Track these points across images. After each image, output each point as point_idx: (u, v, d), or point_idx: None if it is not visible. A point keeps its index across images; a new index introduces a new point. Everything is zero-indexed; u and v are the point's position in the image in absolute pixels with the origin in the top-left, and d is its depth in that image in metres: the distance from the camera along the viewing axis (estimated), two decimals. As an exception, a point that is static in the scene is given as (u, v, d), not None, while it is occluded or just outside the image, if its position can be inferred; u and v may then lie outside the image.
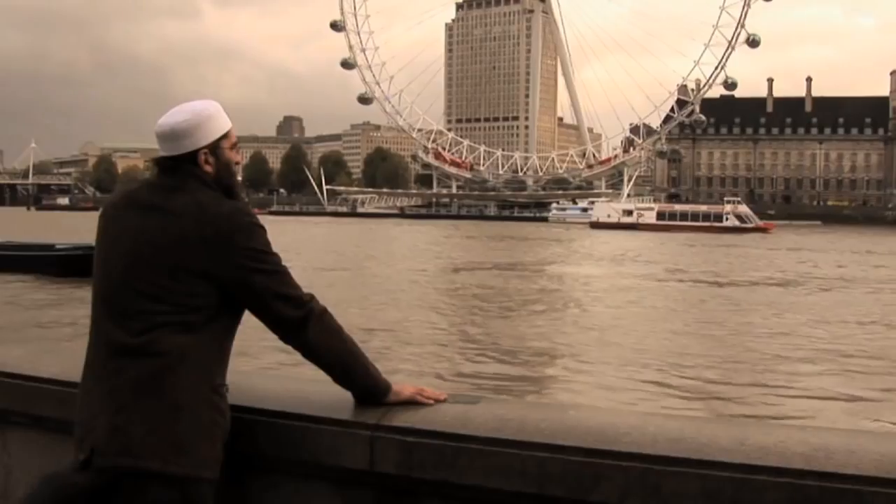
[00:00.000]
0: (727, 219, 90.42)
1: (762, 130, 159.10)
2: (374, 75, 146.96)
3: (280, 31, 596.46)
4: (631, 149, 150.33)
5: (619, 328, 18.31)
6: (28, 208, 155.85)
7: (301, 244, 44.68)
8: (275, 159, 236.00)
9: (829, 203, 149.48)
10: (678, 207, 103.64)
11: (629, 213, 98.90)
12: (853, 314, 21.05)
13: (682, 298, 24.76)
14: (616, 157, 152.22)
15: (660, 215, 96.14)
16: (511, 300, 23.86)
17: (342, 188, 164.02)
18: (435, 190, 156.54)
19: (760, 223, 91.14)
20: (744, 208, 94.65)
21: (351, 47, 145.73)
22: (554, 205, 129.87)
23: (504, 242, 60.42)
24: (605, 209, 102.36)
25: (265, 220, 2.31)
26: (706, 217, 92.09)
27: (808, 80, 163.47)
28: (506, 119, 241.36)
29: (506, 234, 74.89)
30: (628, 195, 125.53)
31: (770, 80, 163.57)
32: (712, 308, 22.47)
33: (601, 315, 20.76)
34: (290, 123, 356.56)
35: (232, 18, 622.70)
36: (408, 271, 33.22)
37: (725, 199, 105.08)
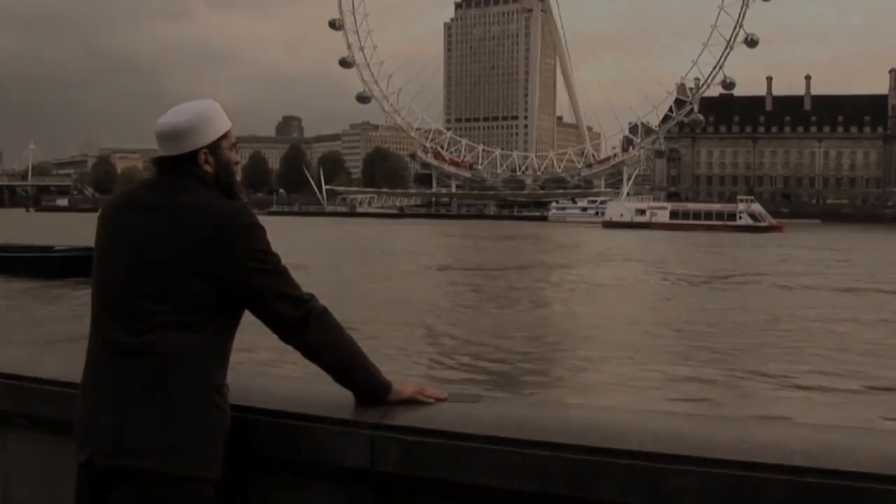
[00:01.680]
0: (741, 217, 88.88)
1: (762, 129, 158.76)
2: (372, 74, 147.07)
3: (276, 32, 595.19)
4: (630, 148, 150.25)
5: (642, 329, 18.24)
6: (27, 209, 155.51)
7: (302, 245, 44.48)
8: (274, 159, 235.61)
9: (829, 201, 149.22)
10: (691, 206, 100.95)
11: (642, 212, 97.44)
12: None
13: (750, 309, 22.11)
14: (615, 156, 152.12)
15: (673, 214, 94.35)
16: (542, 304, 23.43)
17: (341, 188, 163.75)
18: (434, 189, 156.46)
19: (774, 222, 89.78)
20: (757, 207, 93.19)
21: (349, 46, 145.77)
22: (553, 204, 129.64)
23: (514, 243, 59.00)
24: (617, 208, 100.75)
25: (264, 220, 2.31)
26: (720, 216, 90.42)
27: (808, 78, 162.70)
28: (505, 118, 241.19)
29: (514, 233, 73.10)
30: (628, 194, 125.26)
31: (769, 79, 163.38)
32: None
33: (616, 316, 20.71)
34: (289, 124, 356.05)
35: (227, 20, 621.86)
36: (410, 272, 33.20)
37: (738, 197, 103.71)
